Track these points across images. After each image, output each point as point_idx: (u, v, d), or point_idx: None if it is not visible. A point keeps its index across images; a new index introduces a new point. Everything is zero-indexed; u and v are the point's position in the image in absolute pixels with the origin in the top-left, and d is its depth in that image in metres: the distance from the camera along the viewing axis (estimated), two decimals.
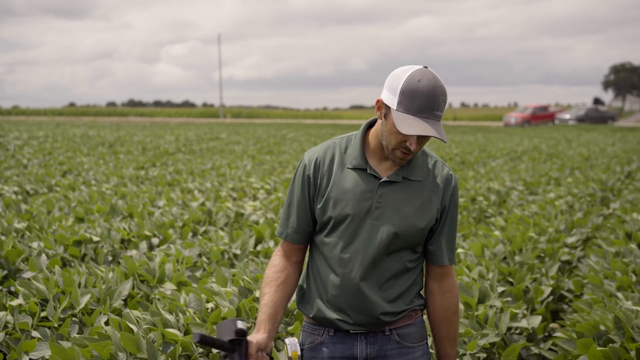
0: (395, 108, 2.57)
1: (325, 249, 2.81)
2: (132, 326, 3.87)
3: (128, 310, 4.20)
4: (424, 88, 2.52)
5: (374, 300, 2.78)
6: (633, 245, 6.42)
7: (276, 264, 2.88)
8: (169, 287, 5.02)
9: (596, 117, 55.78)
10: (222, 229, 8.19)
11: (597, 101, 72.96)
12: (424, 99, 2.52)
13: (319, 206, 2.78)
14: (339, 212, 2.74)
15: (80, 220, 8.16)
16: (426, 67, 2.59)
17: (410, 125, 2.52)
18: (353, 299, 2.78)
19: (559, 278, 6.14)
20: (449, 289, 2.88)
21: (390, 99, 2.59)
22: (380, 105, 2.66)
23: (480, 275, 5.48)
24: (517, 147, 24.76)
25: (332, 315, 2.82)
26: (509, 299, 5.07)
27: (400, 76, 2.58)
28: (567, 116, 55.95)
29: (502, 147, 24.74)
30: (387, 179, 2.73)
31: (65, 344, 3.67)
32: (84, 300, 4.50)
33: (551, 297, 6.01)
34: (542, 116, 55.14)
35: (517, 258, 6.12)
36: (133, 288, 5.08)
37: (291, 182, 2.88)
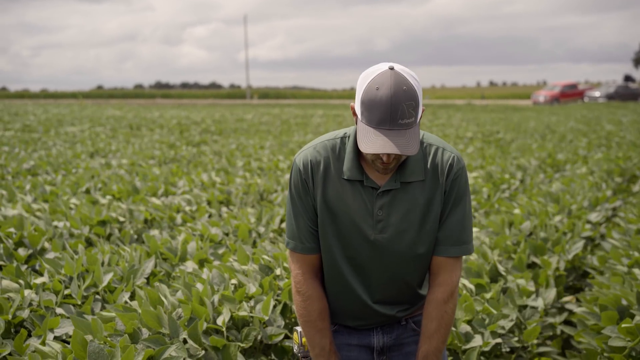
0: (360, 119, 2.37)
1: (329, 268, 2.67)
2: (162, 298, 3.89)
3: (158, 283, 4.24)
4: (382, 97, 2.28)
5: (388, 310, 2.72)
6: None
7: (309, 295, 2.67)
8: (190, 265, 5.05)
9: (626, 94, 55.00)
10: (251, 206, 8.23)
11: (627, 78, 71.98)
12: (383, 110, 2.28)
13: (318, 217, 2.61)
14: (340, 230, 2.58)
15: (103, 200, 8.23)
16: (392, 68, 2.35)
17: (369, 142, 2.31)
18: (366, 313, 2.71)
19: (582, 254, 6.10)
20: (440, 283, 2.63)
21: (357, 108, 2.39)
22: (354, 113, 2.45)
23: (484, 256, 5.45)
24: (545, 126, 24.54)
25: (346, 322, 2.78)
26: (522, 280, 5.05)
27: (362, 83, 2.37)
28: (596, 94, 55.27)
29: (531, 126, 24.54)
30: (384, 189, 2.53)
31: (89, 318, 3.71)
32: (107, 278, 4.55)
33: (573, 275, 5.98)
34: (571, 94, 54.56)
35: (541, 234, 6.09)
36: (156, 266, 5.12)
37: (289, 190, 2.64)
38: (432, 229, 2.57)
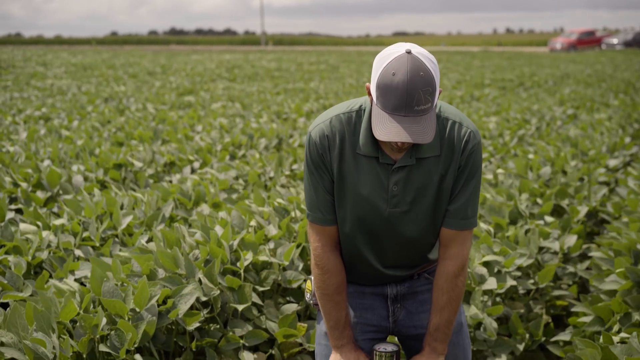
0: (375, 103, 2.34)
1: (343, 239, 2.68)
2: (180, 239, 3.91)
3: (177, 224, 4.24)
4: (399, 83, 2.25)
5: (399, 272, 2.74)
6: None
7: (328, 269, 2.67)
8: (205, 208, 5.06)
9: None
10: (261, 152, 8.23)
11: None
12: (399, 96, 2.26)
13: (334, 193, 2.60)
14: (354, 204, 2.57)
15: (120, 144, 8.25)
16: (409, 52, 2.30)
17: (384, 128, 2.29)
18: (378, 276, 2.74)
19: (601, 199, 6.08)
20: (451, 256, 2.62)
21: (372, 91, 2.36)
22: (369, 93, 2.42)
23: (509, 197, 5.45)
24: (559, 71, 24.32)
25: (359, 281, 2.80)
26: (541, 221, 5.04)
27: (377, 66, 2.33)
28: (614, 41, 54.60)
29: (547, 72, 24.33)
30: (399, 165, 2.49)
31: (108, 260, 3.74)
32: (126, 221, 4.57)
33: (592, 220, 5.97)
34: (588, 41, 53.99)
35: (561, 179, 6.08)
36: (173, 210, 5.13)
37: (305, 163, 2.61)
38: (445, 202, 2.57)
